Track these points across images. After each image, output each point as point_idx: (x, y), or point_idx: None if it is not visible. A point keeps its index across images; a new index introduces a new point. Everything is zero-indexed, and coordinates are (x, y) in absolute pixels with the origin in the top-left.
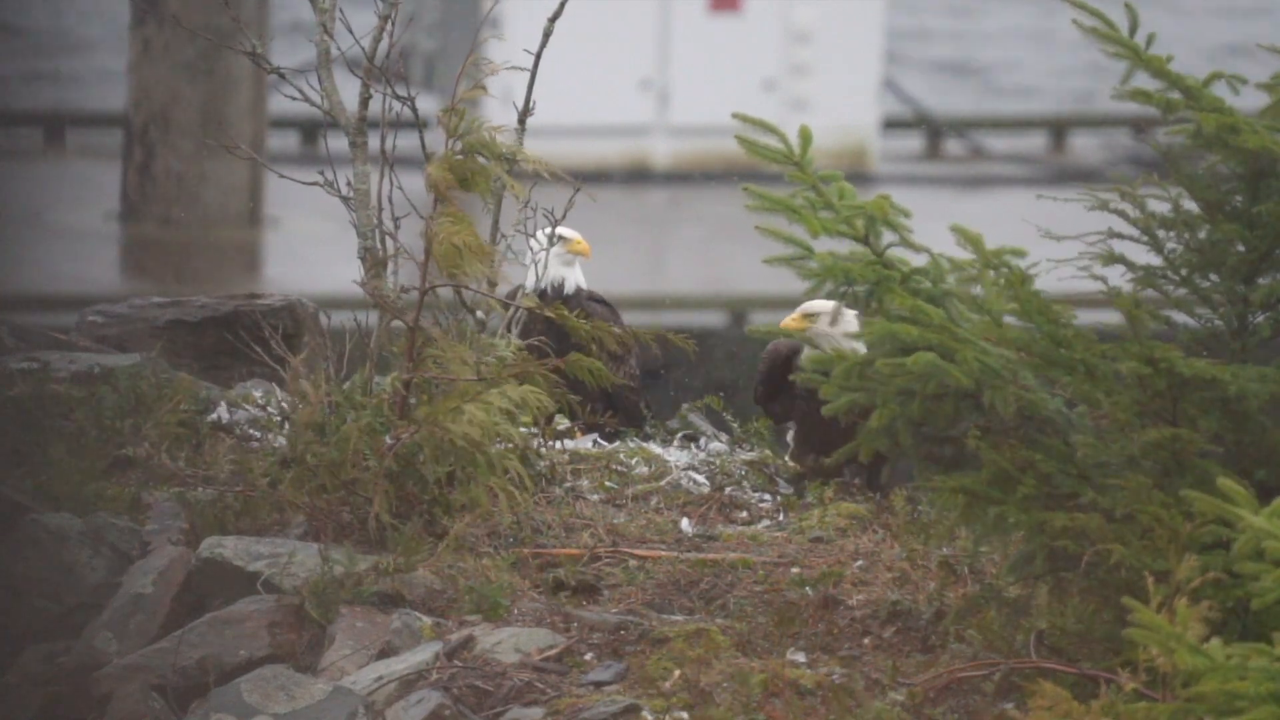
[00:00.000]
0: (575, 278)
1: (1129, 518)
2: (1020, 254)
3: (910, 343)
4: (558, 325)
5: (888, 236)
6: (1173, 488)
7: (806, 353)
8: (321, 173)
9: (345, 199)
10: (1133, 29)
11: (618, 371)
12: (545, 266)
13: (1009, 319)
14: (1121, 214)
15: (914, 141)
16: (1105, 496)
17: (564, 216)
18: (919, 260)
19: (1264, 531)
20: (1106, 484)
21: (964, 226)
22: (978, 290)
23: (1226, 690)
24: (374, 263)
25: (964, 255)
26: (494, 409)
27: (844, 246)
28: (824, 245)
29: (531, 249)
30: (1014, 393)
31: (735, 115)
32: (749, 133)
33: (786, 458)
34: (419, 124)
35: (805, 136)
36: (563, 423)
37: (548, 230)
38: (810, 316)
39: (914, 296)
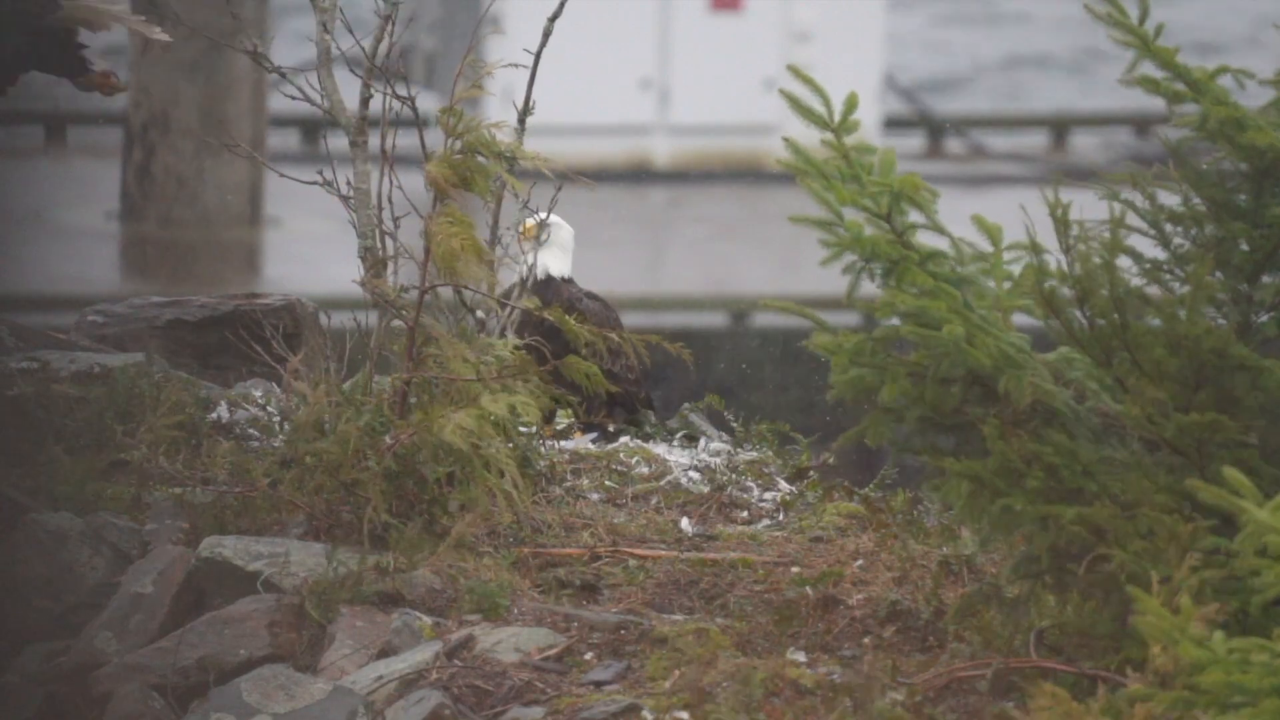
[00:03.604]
0: (545, 263)
1: (1132, 515)
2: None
3: (938, 319)
4: (552, 324)
5: (914, 217)
6: (1179, 488)
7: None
8: (321, 172)
9: (345, 199)
10: (1142, 17)
11: (615, 364)
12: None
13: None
14: (1130, 204)
15: (914, 141)
16: (1114, 483)
17: (550, 210)
18: (940, 243)
19: (1266, 526)
20: (1110, 483)
21: (984, 218)
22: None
23: (1229, 684)
24: (374, 263)
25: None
26: (485, 415)
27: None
28: (858, 216)
29: (521, 246)
30: (1029, 382)
31: (789, 68)
32: (793, 91)
33: None
34: (419, 123)
35: (851, 102)
36: (563, 422)
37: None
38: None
39: (934, 280)
